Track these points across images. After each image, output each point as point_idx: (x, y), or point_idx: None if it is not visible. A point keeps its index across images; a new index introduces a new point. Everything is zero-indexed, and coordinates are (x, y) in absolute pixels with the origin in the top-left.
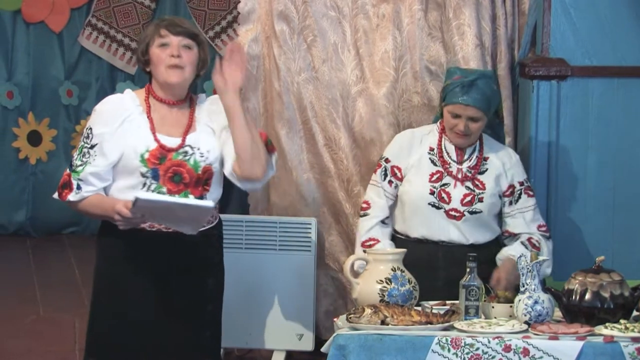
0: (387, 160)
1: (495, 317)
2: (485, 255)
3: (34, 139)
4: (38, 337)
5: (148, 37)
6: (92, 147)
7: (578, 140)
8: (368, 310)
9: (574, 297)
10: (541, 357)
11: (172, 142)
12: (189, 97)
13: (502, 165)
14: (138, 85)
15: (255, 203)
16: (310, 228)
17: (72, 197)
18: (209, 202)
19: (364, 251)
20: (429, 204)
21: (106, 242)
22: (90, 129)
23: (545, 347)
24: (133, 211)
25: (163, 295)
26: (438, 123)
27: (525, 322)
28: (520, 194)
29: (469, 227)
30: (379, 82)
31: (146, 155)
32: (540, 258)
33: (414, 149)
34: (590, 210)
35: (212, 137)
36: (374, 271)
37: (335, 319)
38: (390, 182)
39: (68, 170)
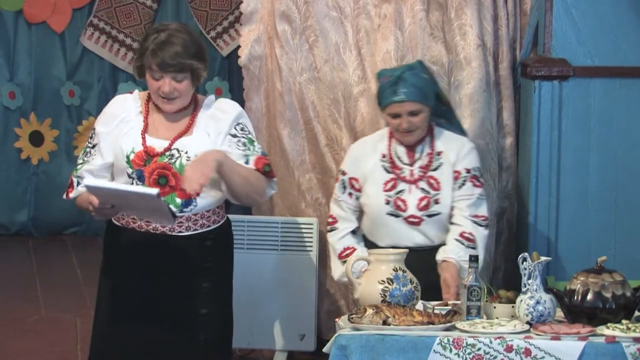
0: (344, 173)
1: (497, 318)
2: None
3: (36, 139)
4: (40, 337)
5: (142, 58)
6: (93, 146)
7: (580, 141)
8: (370, 311)
9: (575, 297)
10: (543, 358)
11: (159, 144)
12: (194, 100)
13: (456, 155)
14: (140, 86)
15: (257, 203)
16: (312, 228)
17: (72, 194)
18: (152, 190)
19: (340, 260)
20: (387, 213)
21: (108, 243)
22: (94, 128)
23: (547, 347)
24: (101, 201)
25: (158, 297)
26: (388, 127)
27: (527, 323)
28: (465, 181)
29: (431, 229)
30: None
31: (132, 157)
32: (543, 259)
33: (368, 158)
34: (592, 210)
35: (205, 141)
36: (376, 271)
37: (337, 319)
38: (350, 194)
39: (73, 170)
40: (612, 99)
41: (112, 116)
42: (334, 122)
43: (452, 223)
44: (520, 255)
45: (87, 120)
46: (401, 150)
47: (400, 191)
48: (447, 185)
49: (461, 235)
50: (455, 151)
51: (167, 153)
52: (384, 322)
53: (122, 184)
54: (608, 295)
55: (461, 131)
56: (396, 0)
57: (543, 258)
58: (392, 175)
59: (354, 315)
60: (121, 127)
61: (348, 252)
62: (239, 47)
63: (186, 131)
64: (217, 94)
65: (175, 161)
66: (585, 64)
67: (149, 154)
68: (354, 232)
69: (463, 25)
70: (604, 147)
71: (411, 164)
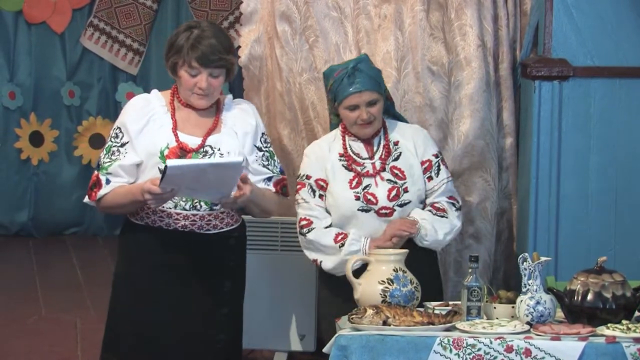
0: (308, 177)
1: (497, 318)
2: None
3: (36, 139)
4: (40, 338)
5: (177, 55)
6: (122, 145)
7: (580, 141)
8: (370, 311)
9: (576, 297)
10: (543, 358)
11: (193, 141)
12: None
13: (413, 142)
14: (140, 86)
15: None
16: None
17: (102, 191)
18: (238, 158)
19: (336, 244)
20: (359, 209)
21: (127, 241)
22: (119, 128)
23: (547, 347)
24: (162, 186)
25: (180, 296)
26: (339, 127)
27: (527, 323)
28: (439, 166)
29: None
30: None
31: (165, 152)
32: (543, 259)
33: (326, 159)
34: (592, 210)
35: (235, 140)
36: (376, 272)
37: (337, 320)
38: (321, 196)
39: (96, 172)
40: (613, 99)
41: (141, 114)
42: None
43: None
44: (520, 256)
45: (87, 120)
46: (358, 146)
47: (367, 186)
48: (412, 174)
49: (432, 205)
50: (411, 139)
51: (201, 150)
52: (384, 323)
53: (201, 160)
54: (608, 295)
55: (404, 120)
56: (396, 0)
57: (543, 258)
58: (353, 173)
59: (354, 316)
60: (151, 126)
61: (341, 236)
62: (239, 47)
63: (214, 128)
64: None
65: (210, 158)
66: (586, 64)
67: (183, 150)
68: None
69: (463, 26)
70: (604, 148)
71: (371, 157)
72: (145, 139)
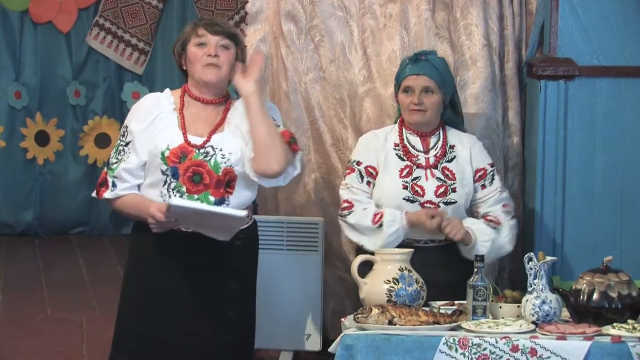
0: (359, 164)
1: (503, 318)
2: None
3: (42, 139)
4: (46, 337)
5: (185, 35)
6: (127, 144)
7: (586, 141)
8: (376, 311)
9: (581, 297)
10: (549, 358)
11: (196, 140)
12: (227, 97)
13: (470, 150)
14: (146, 86)
15: (263, 203)
16: (317, 228)
17: (108, 195)
18: (241, 212)
19: (374, 226)
20: (404, 199)
21: (137, 240)
22: (126, 127)
23: (553, 347)
24: (167, 215)
25: (187, 296)
26: (398, 121)
27: (533, 323)
28: (494, 175)
29: None
30: (387, 83)
31: (167, 154)
32: (549, 259)
33: (380, 149)
34: (598, 210)
35: (239, 139)
36: (382, 271)
37: (342, 319)
38: (369, 183)
39: (106, 169)
40: (618, 99)
41: (146, 113)
42: (339, 122)
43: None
44: (526, 255)
45: (93, 120)
46: (415, 140)
47: (417, 178)
48: (463, 178)
49: (486, 218)
50: (468, 147)
51: (202, 150)
52: (390, 322)
53: (206, 205)
54: (614, 295)
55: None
56: (402, 0)
57: (549, 258)
58: (407, 163)
59: (359, 316)
60: (156, 125)
61: (379, 215)
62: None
63: (219, 126)
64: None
65: (210, 159)
66: (592, 64)
67: (184, 152)
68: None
69: (469, 25)
70: (610, 147)
71: (426, 152)
72: (147, 140)
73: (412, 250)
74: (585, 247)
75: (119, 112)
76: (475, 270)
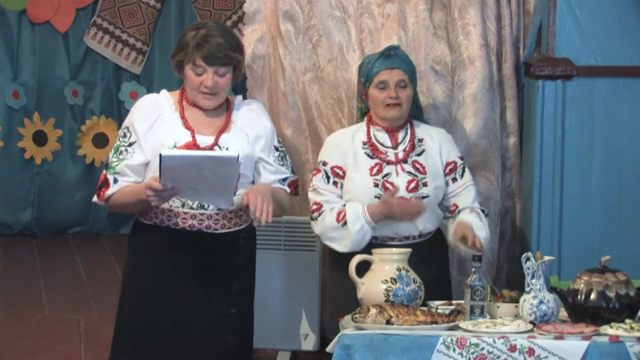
0: (324, 164)
1: (500, 317)
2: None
3: (40, 139)
4: (43, 337)
5: (183, 54)
6: (130, 144)
7: (583, 140)
8: (373, 310)
9: (579, 296)
10: (546, 357)
11: (203, 140)
12: (226, 100)
13: (439, 144)
14: (144, 85)
15: None
16: None
17: (110, 191)
18: (233, 153)
19: (339, 224)
20: (376, 196)
21: (136, 240)
22: (127, 127)
23: (551, 347)
24: (162, 181)
25: (188, 296)
26: (365, 119)
27: (531, 322)
28: (464, 168)
29: None
30: None
31: None
32: (546, 258)
33: (348, 147)
34: (595, 210)
35: (244, 141)
36: (379, 271)
37: (340, 319)
38: (335, 183)
39: (104, 171)
40: (616, 98)
41: (148, 114)
42: (337, 122)
43: (458, 213)
44: (523, 255)
45: (90, 120)
46: (382, 136)
47: (387, 174)
48: (433, 172)
49: (471, 211)
50: (437, 140)
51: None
52: (388, 322)
53: (196, 151)
54: (612, 294)
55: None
56: (399, 0)
57: (546, 257)
58: (376, 160)
59: (357, 315)
60: (159, 125)
61: (342, 214)
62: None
63: (225, 127)
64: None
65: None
66: (589, 64)
67: (190, 149)
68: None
69: (466, 25)
70: (608, 147)
71: (395, 147)
72: (152, 138)
73: (409, 249)
74: (582, 246)
75: (117, 112)
76: (473, 269)
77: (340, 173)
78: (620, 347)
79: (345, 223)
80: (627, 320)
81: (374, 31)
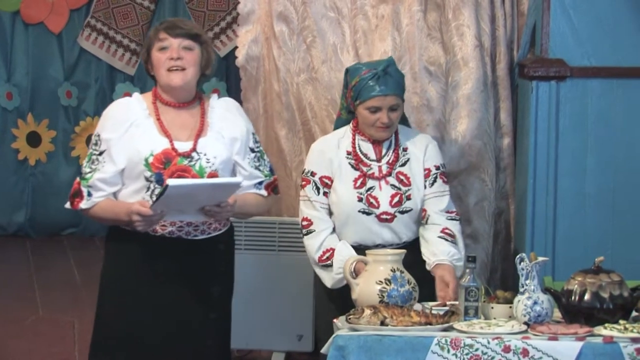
0: (312, 174)
1: (494, 318)
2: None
3: (33, 140)
4: (38, 338)
5: (149, 40)
6: (100, 153)
7: (577, 141)
8: (367, 311)
9: (573, 297)
10: (540, 358)
11: (183, 146)
12: (198, 97)
13: (423, 151)
14: (137, 86)
15: None
16: None
17: (84, 204)
18: (237, 178)
19: (321, 264)
20: (359, 211)
21: (114, 246)
22: (98, 135)
23: (545, 347)
24: (154, 207)
25: (168, 302)
26: (351, 124)
27: (525, 323)
28: (436, 177)
29: (401, 226)
30: None
31: (150, 159)
32: (540, 259)
33: (333, 155)
34: (589, 210)
35: (222, 144)
36: (374, 272)
37: (334, 320)
38: (325, 193)
39: (78, 179)
40: (610, 99)
41: (119, 121)
42: (331, 123)
43: (427, 222)
44: (517, 256)
45: (84, 121)
46: (367, 147)
47: (371, 188)
48: (417, 181)
49: (443, 232)
50: (421, 148)
51: (188, 155)
52: (382, 323)
53: (202, 179)
54: (605, 295)
55: (409, 127)
56: (393, 0)
57: (541, 258)
58: (359, 173)
59: (351, 316)
60: (133, 132)
61: (328, 254)
62: (236, 47)
63: (201, 131)
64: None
65: (195, 163)
66: (583, 65)
67: (168, 157)
68: (331, 233)
69: (460, 26)
70: (602, 148)
71: (378, 160)
72: (126, 147)
73: (404, 250)
74: (576, 247)
75: None
76: (467, 271)
77: (329, 183)
78: (614, 348)
79: (328, 265)
80: (621, 321)
81: (368, 32)
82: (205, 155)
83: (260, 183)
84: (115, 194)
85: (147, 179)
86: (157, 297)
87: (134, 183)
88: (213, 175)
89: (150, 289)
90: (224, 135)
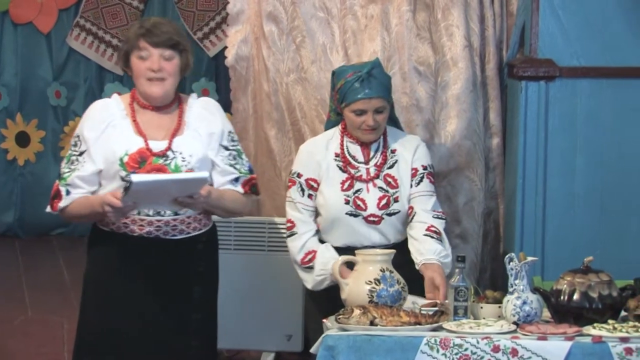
0: (299, 175)
1: (483, 318)
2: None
3: (22, 140)
4: (27, 339)
5: (128, 44)
6: (80, 154)
7: (566, 141)
8: (357, 311)
9: (562, 297)
10: (530, 358)
11: (155, 145)
12: (177, 97)
13: (412, 152)
14: (127, 86)
15: None
16: None
17: (62, 203)
18: (203, 173)
19: (303, 266)
20: (347, 213)
21: (95, 247)
22: (78, 136)
23: (534, 347)
24: (124, 199)
25: (148, 303)
26: (339, 126)
27: (514, 323)
28: (422, 177)
29: (388, 228)
30: None
31: (125, 159)
32: (529, 259)
33: (321, 157)
34: (578, 210)
35: (198, 142)
36: (363, 272)
37: (324, 320)
38: (310, 195)
39: (57, 181)
40: (599, 99)
41: (98, 121)
42: (321, 123)
43: (413, 220)
44: (507, 256)
45: (73, 120)
46: (355, 149)
47: (358, 190)
48: (405, 183)
49: (428, 229)
50: (410, 149)
51: (163, 155)
52: (371, 323)
53: (167, 174)
54: (594, 295)
55: (401, 129)
56: (383, 0)
57: (530, 258)
58: (347, 175)
59: (341, 316)
60: (110, 132)
61: (310, 256)
62: (225, 47)
63: (177, 130)
64: (204, 94)
65: (170, 162)
66: (572, 65)
67: (143, 156)
68: (314, 235)
69: (450, 26)
70: (591, 148)
71: (366, 163)
72: (103, 147)
73: (393, 250)
74: (565, 247)
75: None
76: (457, 270)
77: (315, 185)
78: (603, 348)
79: (310, 267)
80: (610, 321)
81: (357, 32)
82: (181, 154)
83: (236, 180)
84: (93, 195)
85: (122, 179)
86: (138, 297)
87: (111, 183)
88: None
89: (131, 289)
90: (200, 133)
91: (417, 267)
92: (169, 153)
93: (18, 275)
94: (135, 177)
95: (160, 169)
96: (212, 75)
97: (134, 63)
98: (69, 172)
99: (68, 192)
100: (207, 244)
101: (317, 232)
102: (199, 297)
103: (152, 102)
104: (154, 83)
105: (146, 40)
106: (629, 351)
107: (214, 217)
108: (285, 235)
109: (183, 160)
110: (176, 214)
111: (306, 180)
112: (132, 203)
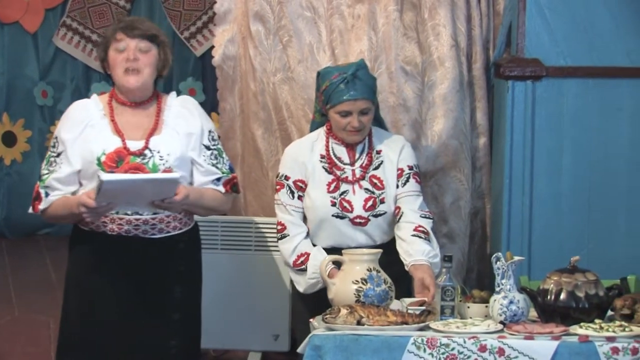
0: (286, 178)
1: (470, 317)
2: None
3: (9, 139)
4: (13, 339)
5: (106, 39)
6: (58, 155)
7: (553, 141)
8: (344, 311)
9: (549, 296)
10: (516, 357)
11: (133, 145)
12: (156, 96)
13: (398, 153)
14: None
15: (231, 203)
16: None
17: (42, 205)
18: (175, 174)
19: (295, 268)
20: (333, 215)
21: (76, 247)
22: (56, 137)
23: (521, 346)
24: (98, 199)
25: (129, 302)
26: (324, 127)
27: (501, 322)
28: (409, 177)
29: (375, 229)
30: None
31: (103, 158)
32: (516, 258)
33: (307, 159)
34: (565, 210)
35: (176, 141)
36: (350, 271)
37: (311, 320)
38: (300, 197)
39: (37, 182)
40: (585, 99)
41: (75, 122)
42: (307, 123)
43: (400, 220)
44: (493, 255)
45: (60, 120)
46: (340, 150)
47: (344, 192)
48: (391, 184)
49: (416, 229)
50: (395, 150)
51: (141, 153)
52: (358, 322)
53: (138, 174)
54: (581, 294)
55: (386, 129)
56: (370, 0)
57: (516, 258)
58: (332, 177)
59: (328, 316)
60: (88, 132)
61: (302, 258)
62: (212, 47)
63: (155, 129)
64: (191, 94)
65: (148, 161)
66: (559, 64)
67: (120, 155)
68: (305, 237)
69: (436, 26)
70: (577, 147)
71: (352, 164)
72: (81, 147)
73: (380, 250)
74: (552, 247)
75: None
76: (444, 270)
77: (303, 186)
78: (589, 347)
79: (302, 269)
80: (597, 320)
81: (344, 32)
82: (158, 152)
83: (218, 180)
84: (73, 195)
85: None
86: (118, 296)
87: (90, 183)
88: (167, 172)
89: (111, 288)
90: (178, 132)
91: (406, 268)
92: (147, 152)
93: (5, 275)
94: (105, 176)
95: (137, 168)
96: (199, 75)
97: (111, 57)
98: (47, 173)
99: (47, 194)
100: (188, 243)
101: (308, 234)
102: (179, 297)
103: (129, 97)
104: (130, 75)
105: (123, 32)
106: (615, 350)
107: (199, 217)
108: (276, 238)
109: (161, 159)
110: (155, 213)
111: (294, 182)
112: (108, 204)
